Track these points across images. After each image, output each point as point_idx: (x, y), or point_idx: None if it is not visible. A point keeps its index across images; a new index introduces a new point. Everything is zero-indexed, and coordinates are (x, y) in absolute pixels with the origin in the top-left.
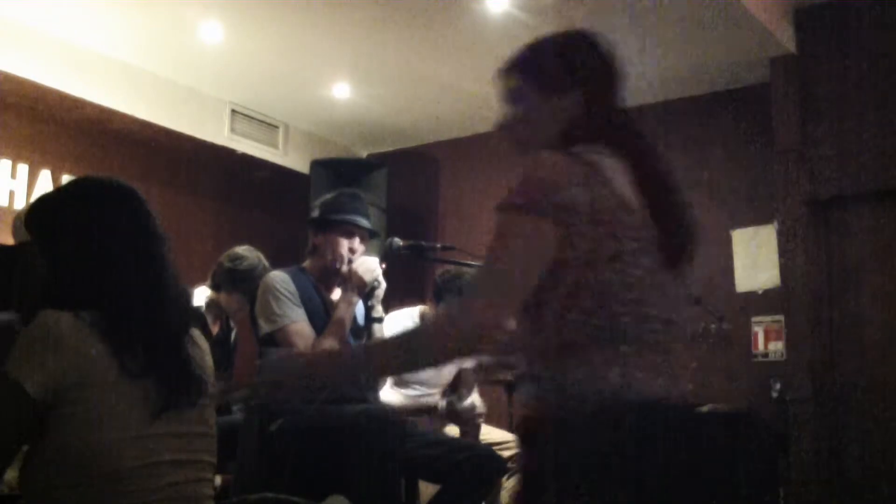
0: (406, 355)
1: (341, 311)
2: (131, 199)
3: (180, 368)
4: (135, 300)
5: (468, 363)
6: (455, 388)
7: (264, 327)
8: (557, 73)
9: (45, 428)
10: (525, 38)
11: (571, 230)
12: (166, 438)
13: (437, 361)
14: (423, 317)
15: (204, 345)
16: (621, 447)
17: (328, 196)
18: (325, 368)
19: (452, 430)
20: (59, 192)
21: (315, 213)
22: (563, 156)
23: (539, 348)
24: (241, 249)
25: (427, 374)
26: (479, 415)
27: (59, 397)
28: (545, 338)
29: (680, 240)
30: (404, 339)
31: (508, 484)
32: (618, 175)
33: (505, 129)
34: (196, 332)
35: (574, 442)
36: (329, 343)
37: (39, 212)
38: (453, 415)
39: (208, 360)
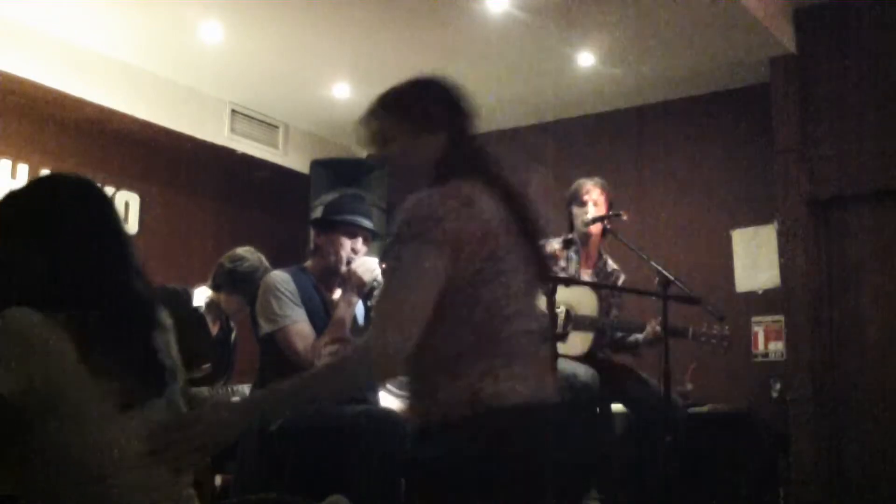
0: (337, 385)
1: (341, 311)
2: (94, 196)
3: (148, 361)
4: (101, 297)
5: None
6: None
7: (265, 327)
8: (423, 115)
9: (24, 430)
10: (525, 38)
11: (460, 256)
12: (135, 431)
13: (362, 386)
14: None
15: (168, 323)
16: (489, 451)
17: (331, 196)
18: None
19: None
20: (22, 191)
21: (318, 213)
22: (444, 189)
23: (427, 361)
24: (242, 250)
25: None
26: None
27: (31, 398)
28: (434, 351)
29: (538, 258)
30: (333, 371)
31: None
32: (490, 203)
33: (380, 163)
34: (164, 319)
35: (442, 445)
36: (329, 342)
37: (3, 210)
38: None
39: (172, 339)
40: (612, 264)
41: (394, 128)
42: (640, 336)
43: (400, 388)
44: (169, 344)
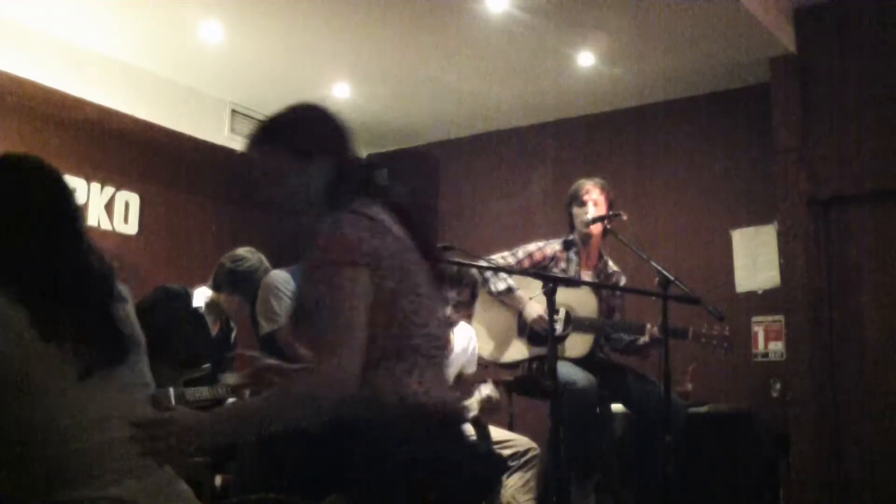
0: (296, 412)
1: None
2: (40, 173)
3: (104, 329)
4: (53, 270)
5: (471, 368)
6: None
7: (265, 326)
8: (308, 142)
9: None
10: (525, 38)
11: (380, 273)
12: (95, 397)
13: (322, 411)
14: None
15: (127, 294)
16: (412, 446)
17: None
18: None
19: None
20: None
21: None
22: (353, 213)
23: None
24: (243, 251)
25: None
26: (497, 404)
27: None
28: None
29: (436, 268)
30: (291, 398)
31: (510, 482)
32: (393, 222)
33: (266, 197)
34: (122, 288)
35: (370, 441)
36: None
37: None
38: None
39: (132, 311)
40: (612, 266)
41: (279, 157)
42: (644, 338)
43: None
44: (129, 315)
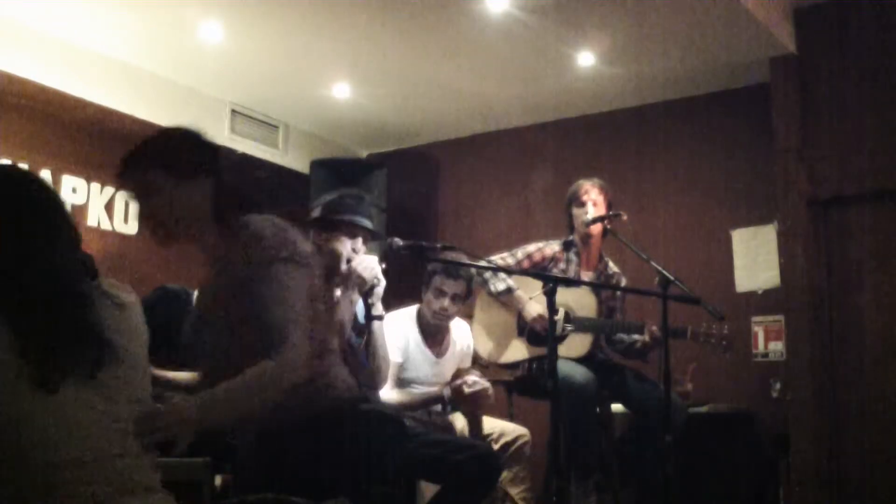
0: (252, 399)
1: (343, 310)
2: (9, 182)
3: (74, 339)
4: (13, 273)
5: (466, 364)
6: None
7: None
8: (187, 162)
9: None
10: (525, 38)
11: (312, 272)
12: (70, 410)
13: (276, 399)
14: (419, 313)
15: (129, 301)
16: (328, 432)
17: (330, 196)
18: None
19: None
20: None
21: (317, 213)
22: (275, 217)
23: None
24: None
25: (425, 373)
26: (488, 394)
27: None
28: None
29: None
30: (249, 385)
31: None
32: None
33: (149, 219)
34: (120, 294)
35: (295, 428)
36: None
37: None
38: (461, 398)
39: (131, 319)
40: (613, 267)
41: (160, 179)
42: (642, 338)
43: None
44: (119, 322)
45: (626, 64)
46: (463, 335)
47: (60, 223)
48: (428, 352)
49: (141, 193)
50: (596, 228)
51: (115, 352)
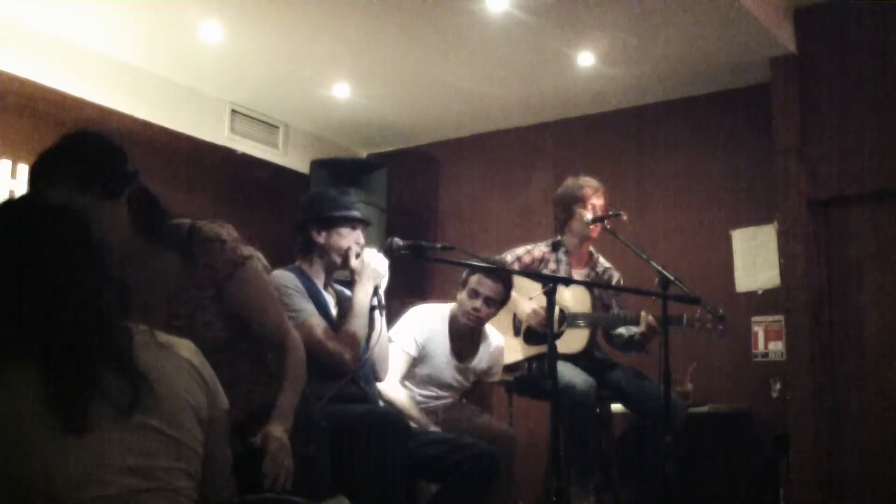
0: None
1: (361, 301)
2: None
3: (107, 375)
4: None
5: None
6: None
7: None
8: (107, 178)
9: None
10: (525, 38)
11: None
12: (99, 450)
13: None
14: (451, 313)
15: (178, 348)
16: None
17: (316, 195)
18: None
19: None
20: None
21: (313, 213)
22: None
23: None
24: None
25: (444, 375)
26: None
27: None
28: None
29: None
30: (295, 384)
31: None
32: None
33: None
34: (178, 342)
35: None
36: (353, 332)
37: None
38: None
39: (177, 363)
40: (604, 262)
41: (75, 191)
42: (640, 329)
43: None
44: (160, 362)
45: (626, 64)
46: (494, 343)
47: (89, 257)
48: (451, 354)
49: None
50: (597, 229)
51: (152, 392)
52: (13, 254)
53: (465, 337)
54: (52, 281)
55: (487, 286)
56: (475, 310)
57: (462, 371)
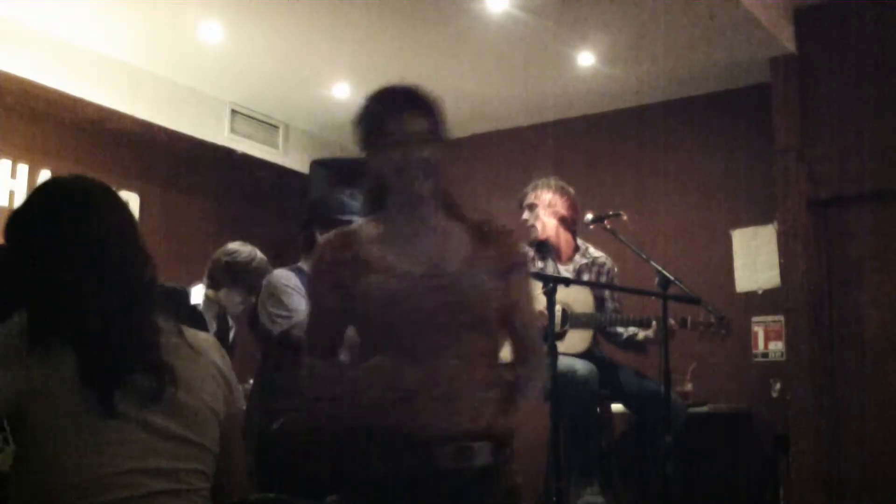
0: None
1: None
2: (73, 201)
3: (143, 367)
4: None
5: None
6: None
7: (281, 324)
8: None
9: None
10: (525, 38)
11: None
12: (119, 446)
13: None
14: None
15: (200, 345)
16: None
17: (325, 197)
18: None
19: None
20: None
21: (318, 213)
22: None
23: None
24: (234, 244)
25: None
26: None
27: (18, 407)
28: None
29: None
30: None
31: None
32: None
33: None
34: (204, 339)
35: None
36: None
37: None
38: None
39: (200, 367)
40: (594, 251)
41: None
42: (647, 333)
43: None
44: (178, 346)
45: (626, 64)
46: None
47: (131, 241)
48: None
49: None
50: (549, 225)
51: (176, 379)
52: (60, 230)
53: None
54: (94, 263)
55: None
56: None
57: None
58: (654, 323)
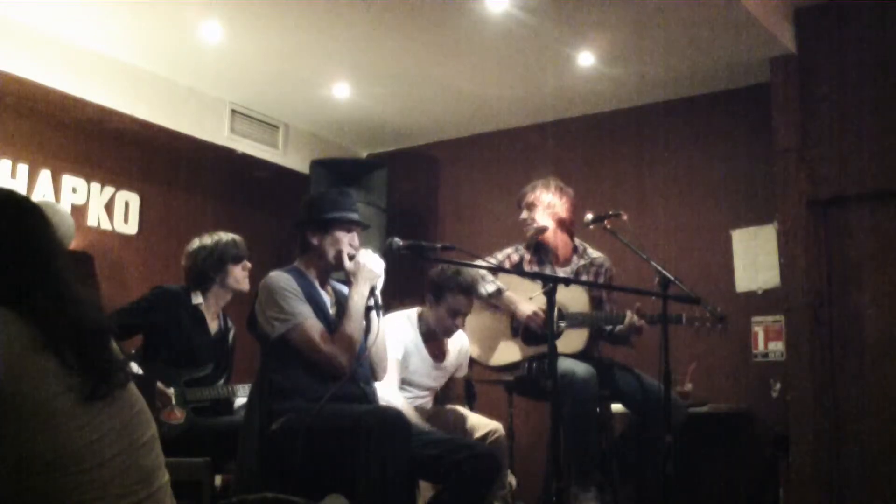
0: None
1: (356, 303)
2: (28, 213)
3: (108, 358)
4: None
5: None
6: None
7: (278, 328)
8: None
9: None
10: (525, 38)
11: None
12: (104, 422)
13: None
14: (420, 318)
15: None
16: None
17: (316, 197)
18: None
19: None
20: None
21: (307, 214)
22: None
23: None
24: (193, 245)
25: (423, 376)
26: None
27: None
28: None
29: None
30: None
31: None
32: None
33: None
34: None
35: None
36: (348, 334)
37: None
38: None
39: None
40: (592, 252)
41: None
42: (621, 326)
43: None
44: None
45: (626, 64)
46: (461, 341)
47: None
48: (428, 356)
49: None
50: (548, 226)
51: (124, 369)
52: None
53: (438, 339)
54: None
55: (465, 304)
56: (456, 326)
57: (438, 371)
58: (628, 314)
